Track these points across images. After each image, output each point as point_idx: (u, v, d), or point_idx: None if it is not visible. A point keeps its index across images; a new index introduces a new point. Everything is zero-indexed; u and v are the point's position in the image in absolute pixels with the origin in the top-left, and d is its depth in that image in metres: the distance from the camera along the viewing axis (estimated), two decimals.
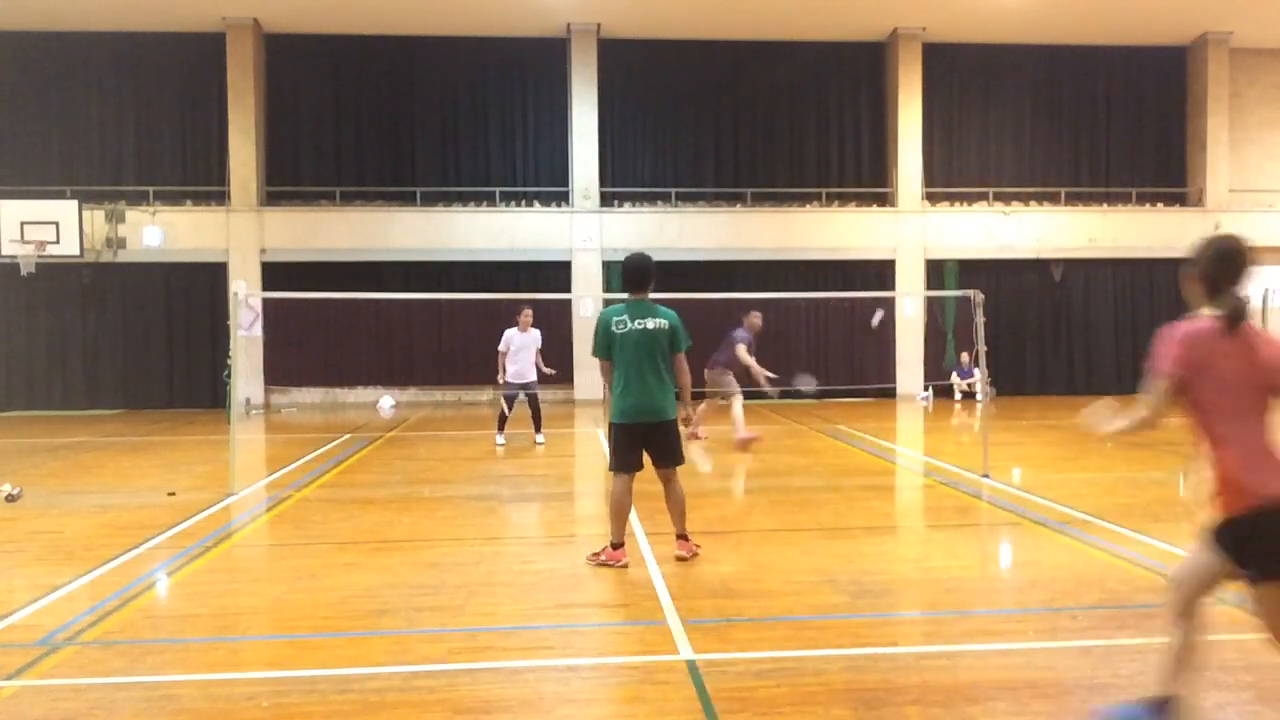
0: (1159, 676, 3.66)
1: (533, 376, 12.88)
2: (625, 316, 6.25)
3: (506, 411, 13.03)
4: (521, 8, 18.78)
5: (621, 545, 6.39)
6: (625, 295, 6.49)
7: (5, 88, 19.42)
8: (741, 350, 12.60)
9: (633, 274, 6.44)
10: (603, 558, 6.37)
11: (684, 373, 6.37)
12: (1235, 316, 3.50)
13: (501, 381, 12.88)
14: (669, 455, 6.40)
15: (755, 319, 13.11)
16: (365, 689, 4.34)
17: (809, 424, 15.50)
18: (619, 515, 6.38)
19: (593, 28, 19.76)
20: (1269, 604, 3.55)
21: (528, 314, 12.84)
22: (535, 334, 12.88)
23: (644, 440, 6.33)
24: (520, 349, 12.72)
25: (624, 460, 6.37)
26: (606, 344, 6.29)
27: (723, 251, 19.91)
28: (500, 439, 12.89)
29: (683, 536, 6.52)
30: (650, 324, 6.24)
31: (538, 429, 13.01)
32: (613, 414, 6.38)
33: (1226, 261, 3.67)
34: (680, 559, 6.42)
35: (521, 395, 12.92)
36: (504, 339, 12.83)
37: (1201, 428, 3.75)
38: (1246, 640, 4.87)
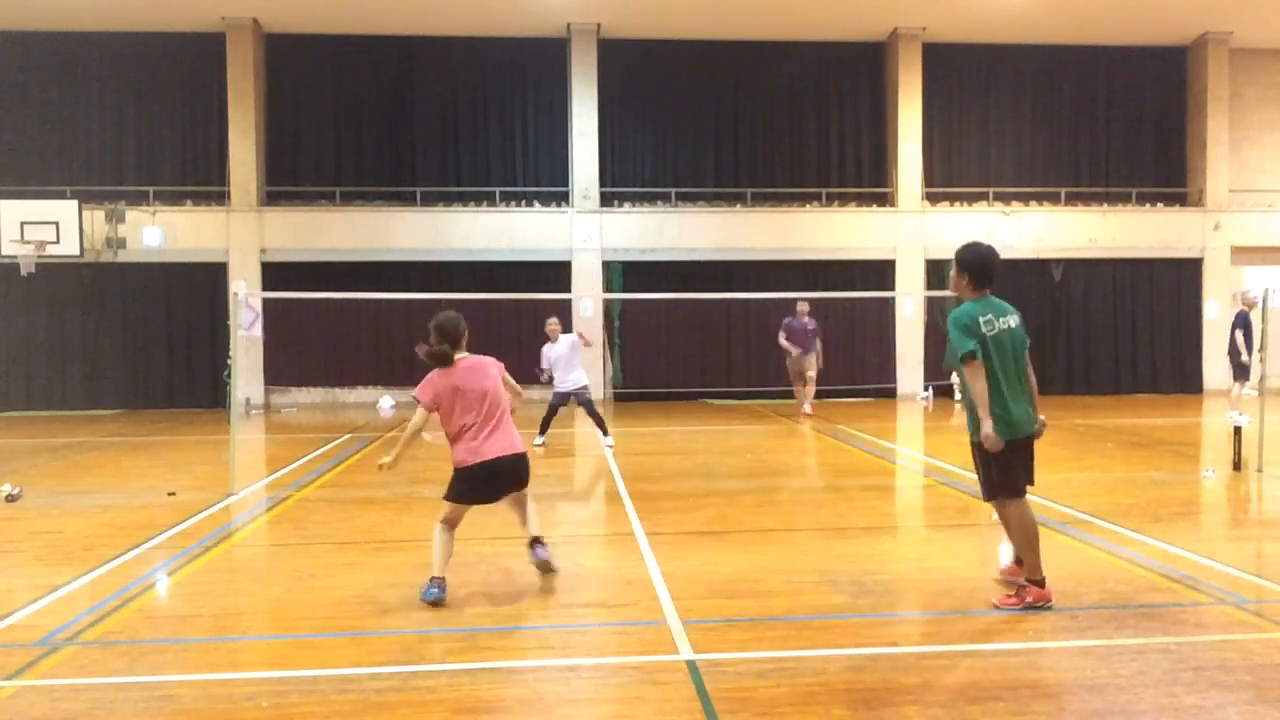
0: None
1: (583, 381, 12.52)
2: (990, 315, 5.34)
3: (546, 419, 12.68)
4: (521, 8, 18.78)
5: (1044, 580, 5.39)
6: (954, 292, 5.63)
7: (5, 88, 19.42)
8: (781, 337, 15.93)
9: (986, 265, 5.48)
10: (1029, 599, 5.33)
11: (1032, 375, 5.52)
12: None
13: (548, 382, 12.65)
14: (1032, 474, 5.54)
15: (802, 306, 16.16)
16: (365, 689, 4.34)
17: (809, 424, 15.50)
18: (1035, 544, 5.41)
19: (593, 28, 19.76)
20: None
21: (553, 324, 12.57)
22: (567, 339, 12.51)
23: (1024, 458, 5.42)
24: (559, 359, 12.40)
25: (1019, 480, 5.42)
26: (980, 343, 5.26)
27: (723, 251, 19.91)
28: (539, 439, 12.46)
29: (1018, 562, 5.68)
30: (1013, 321, 5.41)
31: (604, 432, 12.49)
32: (1001, 429, 5.24)
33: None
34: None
35: (572, 401, 12.57)
36: (543, 356, 12.57)
37: None
38: (1246, 640, 4.88)
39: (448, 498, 5.86)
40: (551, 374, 12.54)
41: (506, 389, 6.00)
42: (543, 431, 12.63)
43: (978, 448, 5.40)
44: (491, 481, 5.80)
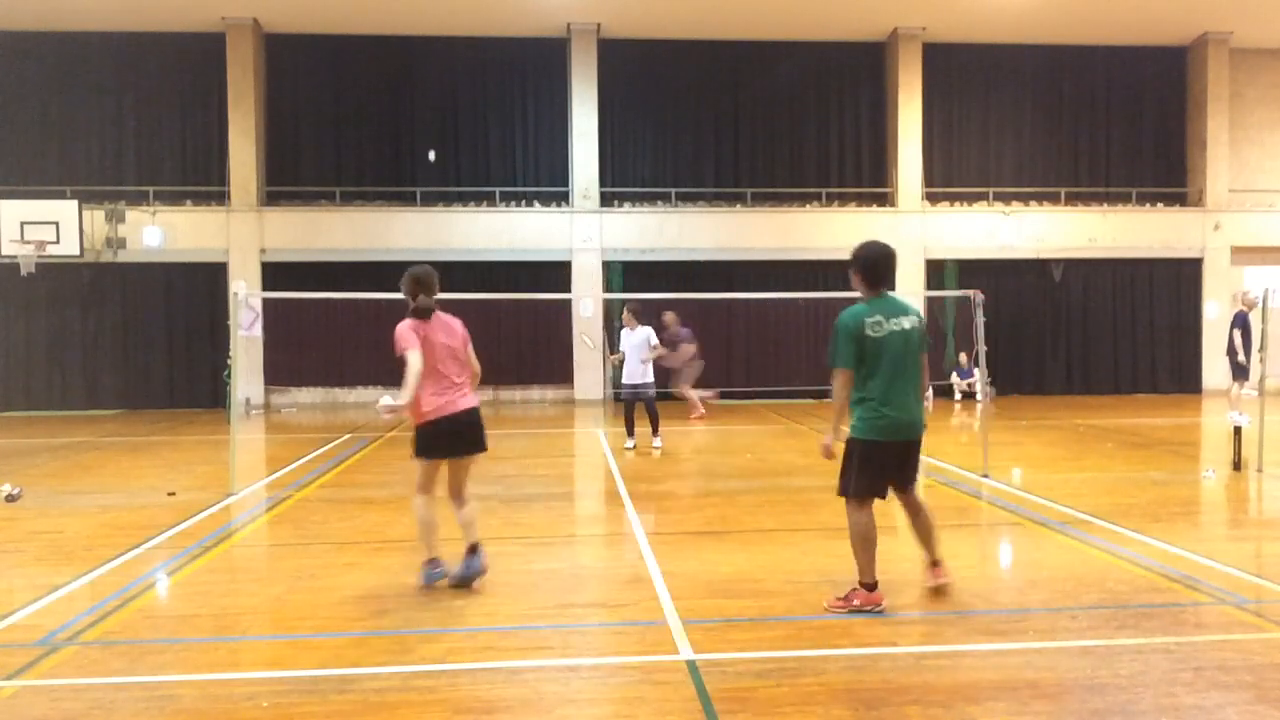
0: None
1: (648, 379, 12.14)
2: (880, 317, 5.28)
3: (628, 418, 12.37)
4: (521, 8, 18.78)
5: (875, 585, 5.33)
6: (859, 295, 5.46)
7: (5, 88, 19.42)
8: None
9: (878, 265, 5.40)
10: (856, 602, 5.27)
11: (927, 374, 5.59)
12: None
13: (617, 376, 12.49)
14: (915, 473, 5.59)
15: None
16: (365, 689, 4.34)
17: (809, 424, 15.50)
18: (869, 548, 5.32)
19: (593, 28, 19.76)
20: None
21: (632, 310, 12.15)
22: (645, 331, 12.08)
23: (899, 462, 5.43)
24: (632, 349, 12.02)
25: (877, 484, 5.38)
26: (857, 350, 5.22)
27: (723, 251, 19.92)
28: (630, 443, 12.28)
29: (937, 562, 5.70)
30: (907, 323, 5.35)
31: (655, 432, 12.19)
32: (862, 430, 5.27)
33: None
34: (938, 588, 5.65)
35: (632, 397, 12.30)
36: (622, 338, 12.26)
37: None
38: (1246, 640, 4.88)
39: (417, 454, 5.86)
40: (623, 358, 12.20)
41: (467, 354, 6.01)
42: (630, 434, 12.36)
43: (849, 443, 5.35)
44: (457, 436, 5.84)
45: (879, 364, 5.21)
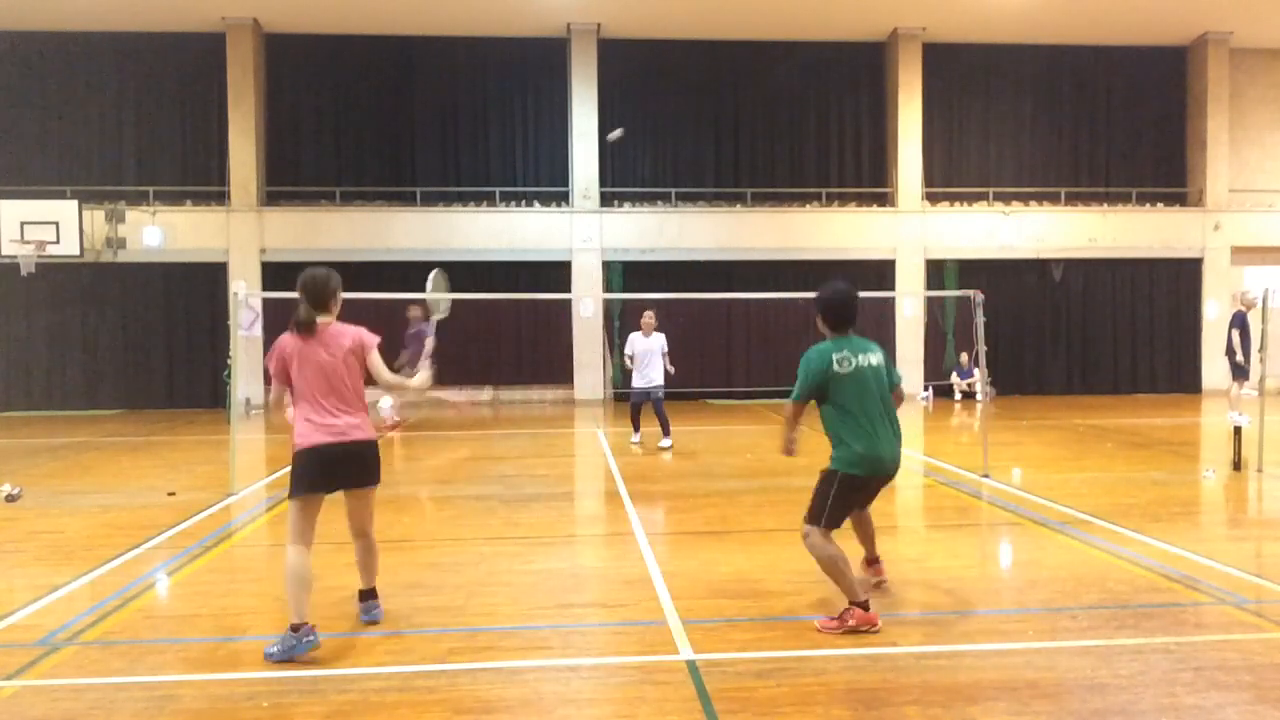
0: None
1: (659, 380, 12.56)
2: (847, 352, 5.35)
3: (634, 417, 12.93)
4: (521, 8, 18.78)
5: (868, 604, 5.15)
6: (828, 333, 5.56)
7: (5, 88, 19.42)
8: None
9: (843, 307, 5.51)
10: (851, 622, 5.05)
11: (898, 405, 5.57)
12: None
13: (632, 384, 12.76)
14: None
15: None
16: (365, 689, 4.34)
17: (808, 424, 15.47)
18: (846, 567, 5.22)
19: (593, 28, 19.76)
20: None
21: (650, 316, 12.61)
22: (660, 338, 12.59)
23: (872, 493, 5.56)
24: (645, 353, 12.49)
25: (842, 516, 5.40)
26: (823, 386, 5.32)
27: (723, 251, 19.92)
28: (635, 437, 12.88)
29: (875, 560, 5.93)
30: (874, 359, 5.42)
31: (665, 433, 12.50)
32: (845, 464, 5.28)
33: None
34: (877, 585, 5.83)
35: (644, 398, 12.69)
36: (629, 343, 12.73)
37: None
38: (1246, 640, 4.88)
39: (289, 495, 5.13)
40: (631, 362, 12.62)
41: (372, 371, 5.09)
42: (636, 430, 12.92)
43: (826, 476, 5.36)
44: (327, 469, 5.05)
45: (854, 398, 5.28)
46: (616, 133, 7.77)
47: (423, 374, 5.58)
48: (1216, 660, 4.55)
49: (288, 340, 5.08)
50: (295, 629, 4.72)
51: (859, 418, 5.24)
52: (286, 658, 4.66)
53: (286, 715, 4.07)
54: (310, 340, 5.03)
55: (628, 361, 12.75)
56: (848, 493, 5.30)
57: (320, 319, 5.08)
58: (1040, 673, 4.46)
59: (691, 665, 4.55)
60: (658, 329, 12.66)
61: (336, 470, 5.09)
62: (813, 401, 5.46)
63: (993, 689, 4.26)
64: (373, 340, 5.13)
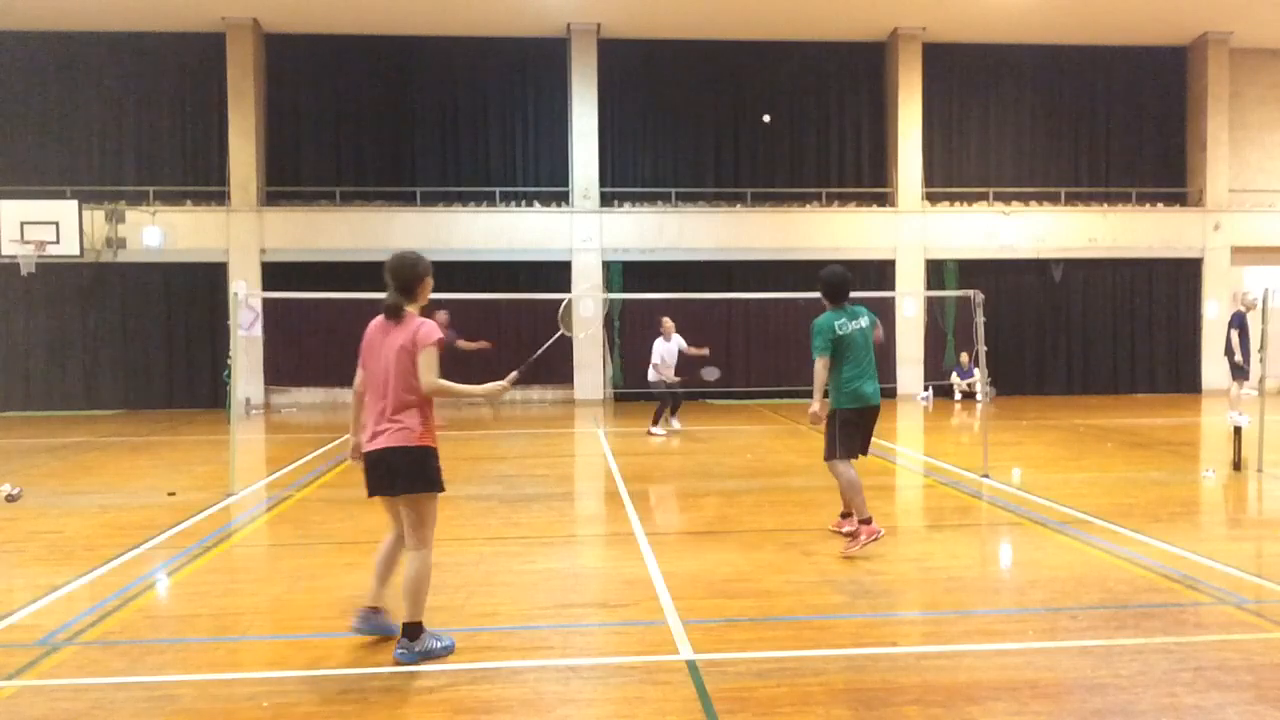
0: None
1: (678, 377, 14.44)
2: (844, 319, 6.88)
3: (665, 408, 14.36)
4: (521, 8, 18.78)
5: (871, 519, 6.74)
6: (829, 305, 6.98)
7: (5, 88, 19.43)
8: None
9: (836, 286, 6.95)
10: (863, 538, 6.64)
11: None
12: None
13: (663, 379, 14.26)
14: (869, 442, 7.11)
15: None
16: (365, 689, 4.34)
17: (809, 424, 15.48)
18: (859, 490, 6.83)
19: (593, 28, 19.76)
20: None
21: (669, 323, 14.21)
22: (678, 339, 14.18)
23: (867, 426, 6.98)
24: (669, 354, 14.14)
25: (852, 446, 6.92)
26: (832, 342, 6.84)
27: (723, 251, 19.92)
28: (660, 430, 14.11)
29: (862, 519, 6.84)
30: (864, 321, 6.97)
31: (674, 413, 14.49)
32: (841, 402, 6.84)
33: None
34: (839, 531, 7.14)
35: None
36: (655, 352, 14.19)
37: None
38: (1246, 640, 4.88)
39: None
40: (663, 366, 14.19)
41: (419, 372, 4.67)
42: (655, 422, 14.20)
43: (830, 417, 6.90)
44: (370, 474, 4.78)
45: (846, 354, 6.84)
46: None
47: (497, 383, 5.01)
48: (1216, 660, 4.55)
49: (372, 325, 4.89)
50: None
51: (847, 368, 6.81)
52: (362, 632, 4.86)
53: (286, 715, 4.06)
54: (392, 329, 4.76)
55: (654, 369, 14.18)
56: (846, 424, 6.85)
57: (408, 307, 4.78)
58: (1040, 673, 4.46)
59: (691, 665, 4.55)
60: (676, 326, 14.24)
61: (370, 476, 4.77)
62: (812, 403, 6.95)
63: (993, 689, 4.26)
64: (428, 338, 4.67)
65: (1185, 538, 7.15)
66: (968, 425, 16.02)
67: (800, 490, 9.44)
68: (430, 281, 4.88)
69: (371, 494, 4.80)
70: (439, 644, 4.73)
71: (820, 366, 6.84)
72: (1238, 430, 10.29)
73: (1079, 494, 8.89)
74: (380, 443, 4.68)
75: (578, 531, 8.11)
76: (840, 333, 6.80)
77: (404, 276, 4.79)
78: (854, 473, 6.83)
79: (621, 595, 5.82)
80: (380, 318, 4.83)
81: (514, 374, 5.16)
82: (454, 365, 6.85)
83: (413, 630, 4.67)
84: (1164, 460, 11.35)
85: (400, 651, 4.63)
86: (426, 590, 4.74)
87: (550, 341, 6.91)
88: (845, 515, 7.20)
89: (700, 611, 5.39)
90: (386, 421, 4.69)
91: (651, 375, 14.29)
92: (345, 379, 21.39)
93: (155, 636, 5.17)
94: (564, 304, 7.44)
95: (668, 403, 14.39)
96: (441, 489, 4.76)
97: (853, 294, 6.98)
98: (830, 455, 6.90)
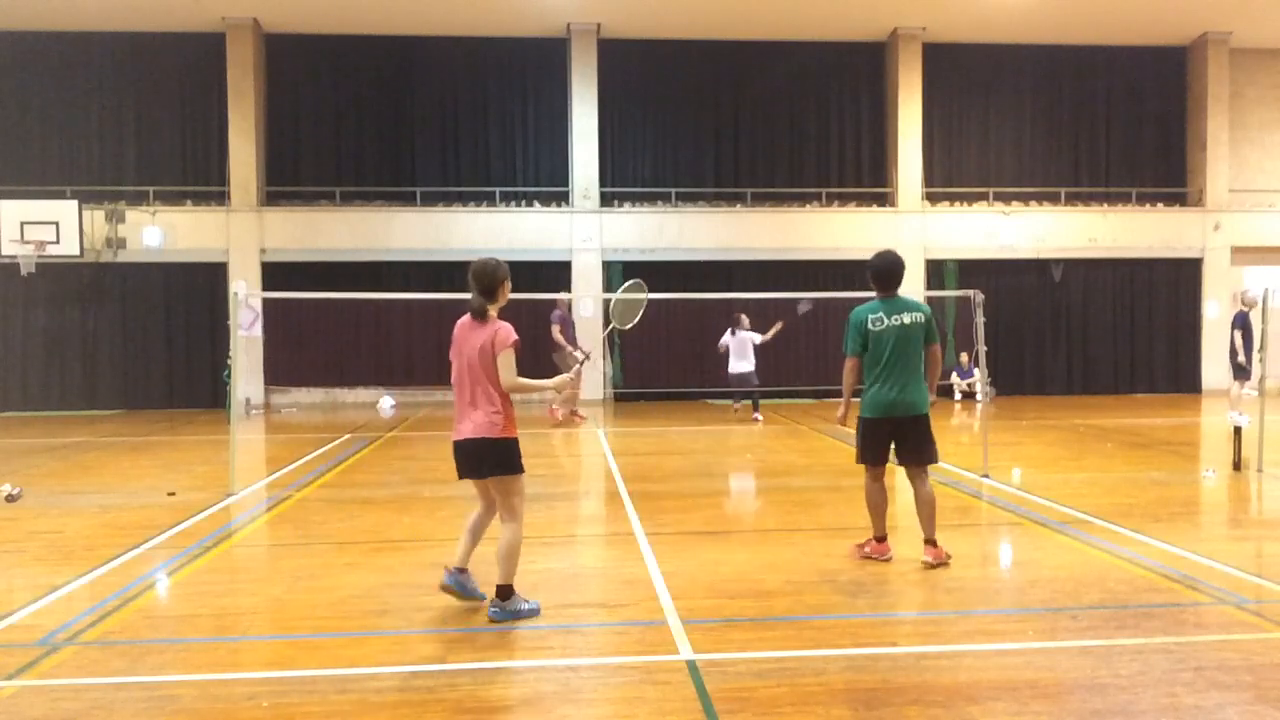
0: None
1: (751, 368, 15.82)
2: (882, 314, 6.30)
3: (737, 395, 16.44)
4: (521, 8, 18.78)
5: (884, 538, 6.46)
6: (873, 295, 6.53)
7: (5, 88, 19.43)
8: (554, 330, 15.39)
9: (882, 272, 6.47)
10: (866, 550, 6.46)
11: (936, 364, 6.45)
12: None
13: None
14: (918, 452, 6.38)
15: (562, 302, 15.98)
16: (365, 689, 4.34)
17: (809, 424, 15.50)
18: (879, 511, 6.45)
19: (593, 28, 19.76)
20: None
21: (744, 318, 15.79)
22: (744, 334, 15.77)
23: (898, 436, 6.33)
24: (739, 345, 15.67)
25: (872, 453, 6.39)
26: (862, 340, 6.30)
27: (723, 251, 19.91)
28: (737, 404, 16.52)
29: (930, 542, 6.31)
30: (907, 319, 6.30)
31: (755, 408, 15.99)
32: (864, 409, 6.33)
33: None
34: (927, 566, 6.22)
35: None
36: (722, 342, 15.97)
37: None
38: (1246, 640, 4.88)
39: None
40: (728, 353, 15.77)
41: (499, 372, 5.20)
42: (738, 400, 16.39)
43: (858, 420, 6.42)
44: (461, 458, 5.37)
45: (879, 354, 6.21)
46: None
47: (564, 375, 5.88)
48: (1216, 660, 4.55)
49: (460, 324, 5.37)
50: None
51: (877, 368, 6.21)
52: (447, 590, 5.37)
53: (286, 715, 4.06)
54: (476, 329, 5.26)
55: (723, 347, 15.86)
56: (869, 431, 6.31)
57: (490, 308, 5.27)
58: (1040, 673, 4.46)
59: (691, 665, 4.55)
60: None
61: (459, 461, 5.38)
62: (840, 405, 6.71)
63: (993, 689, 4.26)
64: (506, 340, 5.18)
65: (1185, 538, 7.15)
66: (968, 425, 16.02)
67: (800, 490, 9.44)
68: (509, 284, 5.43)
69: (461, 477, 5.41)
70: (527, 606, 5.30)
71: (849, 368, 6.37)
72: (1238, 430, 10.29)
73: (1079, 494, 8.89)
74: (467, 433, 5.25)
75: (578, 531, 8.11)
76: (874, 329, 6.23)
77: (486, 280, 5.30)
78: (878, 487, 6.42)
79: (621, 595, 5.82)
80: (466, 317, 5.34)
81: (577, 366, 6.04)
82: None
83: (504, 591, 5.25)
84: (1164, 460, 11.35)
85: (494, 610, 5.23)
86: (518, 556, 5.30)
87: (604, 333, 7.22)
88: (928, 542, 6.35)
89: (700, 611, 5.38)
90: (472, 412, 5.23)
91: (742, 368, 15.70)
92: (345, 379, 21.54)
93: (155, 636, 5.17)
94: (612, 301, 7.21)
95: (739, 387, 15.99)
96: (523, 470, 5.35)
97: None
98: (858, 459, 6.51)
